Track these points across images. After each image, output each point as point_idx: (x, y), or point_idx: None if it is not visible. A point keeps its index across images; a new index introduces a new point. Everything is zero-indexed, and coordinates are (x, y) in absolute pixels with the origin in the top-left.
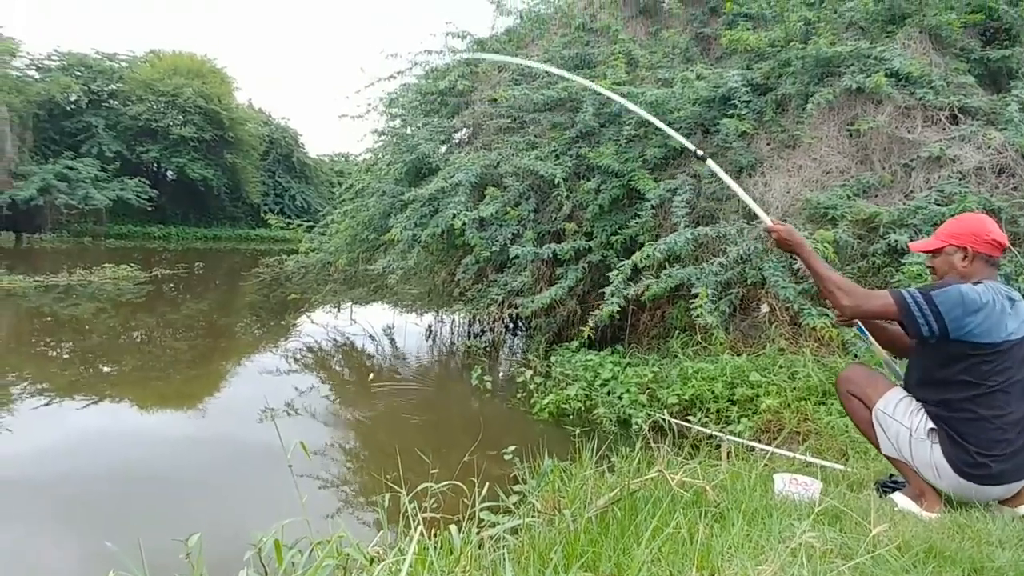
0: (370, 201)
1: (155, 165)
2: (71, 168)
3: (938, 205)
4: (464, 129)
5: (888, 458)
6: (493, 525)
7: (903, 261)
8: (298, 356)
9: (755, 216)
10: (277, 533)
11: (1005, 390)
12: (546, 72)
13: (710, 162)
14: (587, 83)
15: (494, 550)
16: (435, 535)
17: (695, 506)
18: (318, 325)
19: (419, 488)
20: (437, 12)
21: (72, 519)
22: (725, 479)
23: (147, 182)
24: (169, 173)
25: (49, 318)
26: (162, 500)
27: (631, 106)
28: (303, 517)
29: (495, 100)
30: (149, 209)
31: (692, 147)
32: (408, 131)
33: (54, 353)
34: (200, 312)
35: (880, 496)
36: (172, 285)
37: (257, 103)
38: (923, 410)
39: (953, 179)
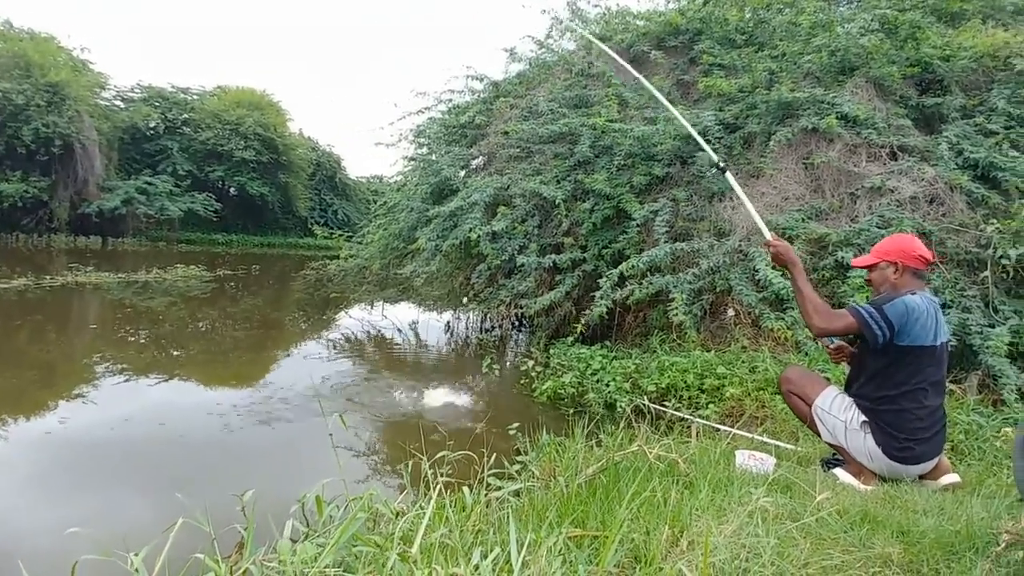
0: (400, 216)
1: (220, 182)
2: (150, 183)
3: (878, 228)
4: (480, 157)
5: (828, 444)
6: (499, 489)
7: (848, 275)
8: (337, 345)
9: (725, 234)
10: (319, 491)
11: (925, 387)
12: (650, 94)
13: (728, 175)
14: (672, 111)
15: (499, 509)
16: (450, 496)
17: (668, 476)
18: (354, 319)
19: (437, 456)
20: (458, 57)
21: (147, 477)
22: (694, 454)
23: (213, 196)
24: (232, 189)
25: (129, 309)
26: (222, 463)
27: (681, 120)
28: (340, 478)
29: (507, 133)
30: (214, 219)
31: (716, 158)
32: (433, 157)
33: (132, 338)
34: (255, 307)
35: (824, 471)
36: (232, 284)
37: (307, 132)
38: (855, 405)
39: (891, 206)
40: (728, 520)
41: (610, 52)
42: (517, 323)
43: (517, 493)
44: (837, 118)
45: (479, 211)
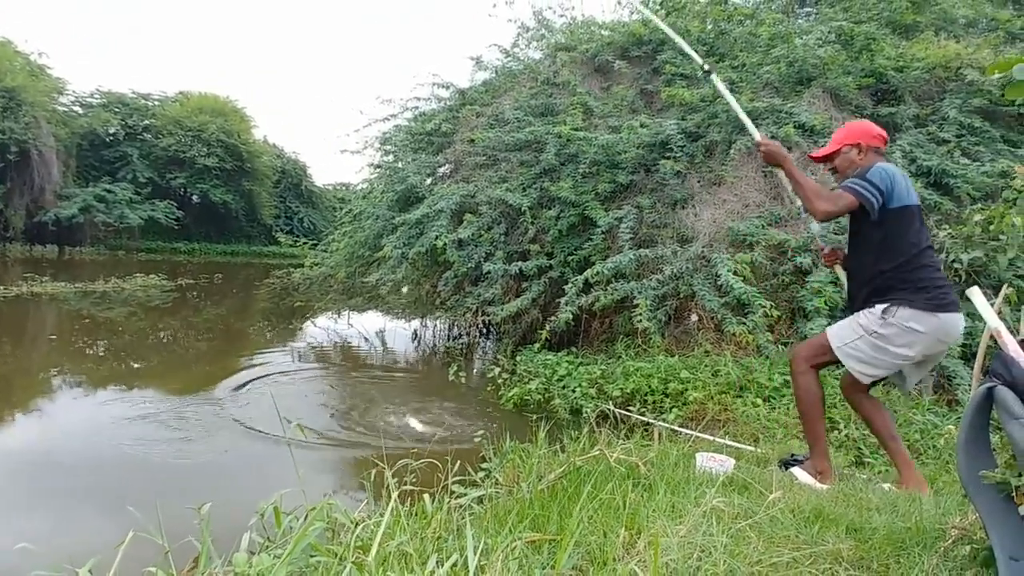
0: (366, 224)
1: (182, 190)
2: (109, 191)
3: (835, 234)
4: (447, 164)
5: (868, 377)
6: (463, 495)
7: (807, 280)
8: (302, 354)
9: (687, 240)
10: (276, 502)
11: (931, 246)
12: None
13: (714, 77)
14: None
15: (462, 516)
16: (412, 504)
17: (629, 479)
18: (320, 328)
19: (399, 464)
20: (425, 64)
21: (103, 492)
22: (655, 457)
23: (175, 204)
24: (194, 197)
25: (87, 320)
26: (179, 477)
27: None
28: (300, 489)
29: (473, 141)
30: (176, 228)
31: (700, 60)
32: (399, 165)
33: (91, 350)
34: (219, 316)
35: (782, 471)
36: (195, 293)
37: (271, 139)
38: (862, 313)
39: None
40: (684, 521)
41: (664, 26)
42: (485, 330)
43: (480, 500)
44: (795, 127)
45: (445, 219)
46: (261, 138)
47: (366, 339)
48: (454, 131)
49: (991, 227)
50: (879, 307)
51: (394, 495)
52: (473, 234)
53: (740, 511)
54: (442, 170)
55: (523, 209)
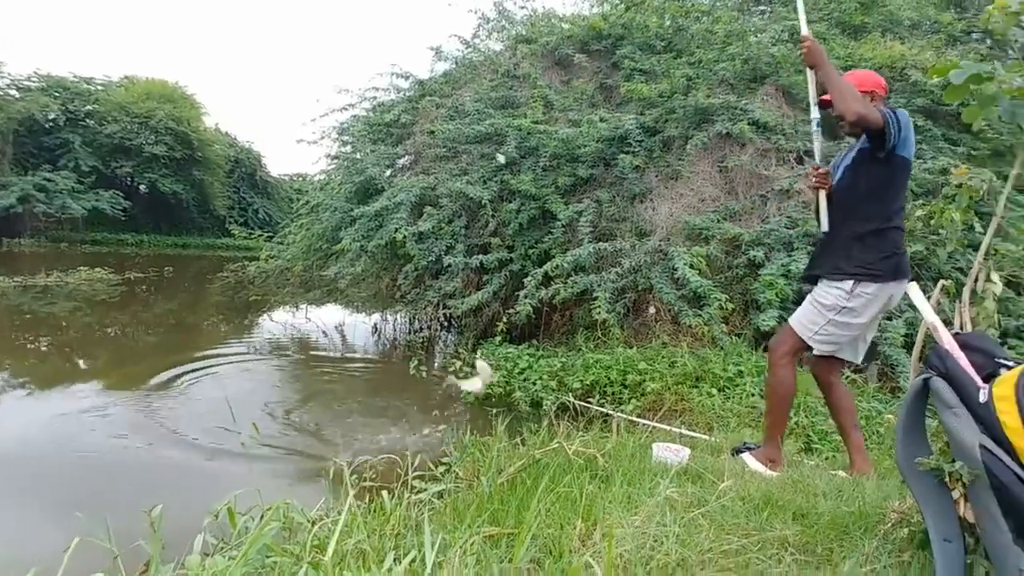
0: (323, 216)
1: (129, 179)
2: (49, 180)
3: (787, 228)
4: (407, 156)
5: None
6: (423, 491)
7: (760, 273)
8: (259, 349)
9: (645, 234)
10: (230, 503)
11: (903, 209)
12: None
13: None
14: None
15: (420, 512)
16: (371, 501)
17: (587, 471)
18: (277, 323)
19: (358, 462)
20: (384, 53)
21: (50, 496)
22: (612, 448)
23: (121, 194)
24: (142, 187)
25: (28, 315)
26: (130, 479)
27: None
28: (256, 489)
29: (433, 132)
30: (123, 219)
31: None
32: (358, 156)
33: (32, 346)
34: (170, 311)
35: (732, 456)
36: (144, 287)
37: (224, 127)
38: (823, 292)
39: (798, 207)
40: (639, 511)
41: None
42: (446, 324)
43: (440, 495)
44: (749, 124)
45: (405, 211)
46: (212, 126)
47: (325, 333)
48: (413, 122)
49: (931, 222)
50: (846, 283)
51: (351, 493)
52: (433, 227)
53: (693, 500)
54: (402, 162)
55: (483, 202)
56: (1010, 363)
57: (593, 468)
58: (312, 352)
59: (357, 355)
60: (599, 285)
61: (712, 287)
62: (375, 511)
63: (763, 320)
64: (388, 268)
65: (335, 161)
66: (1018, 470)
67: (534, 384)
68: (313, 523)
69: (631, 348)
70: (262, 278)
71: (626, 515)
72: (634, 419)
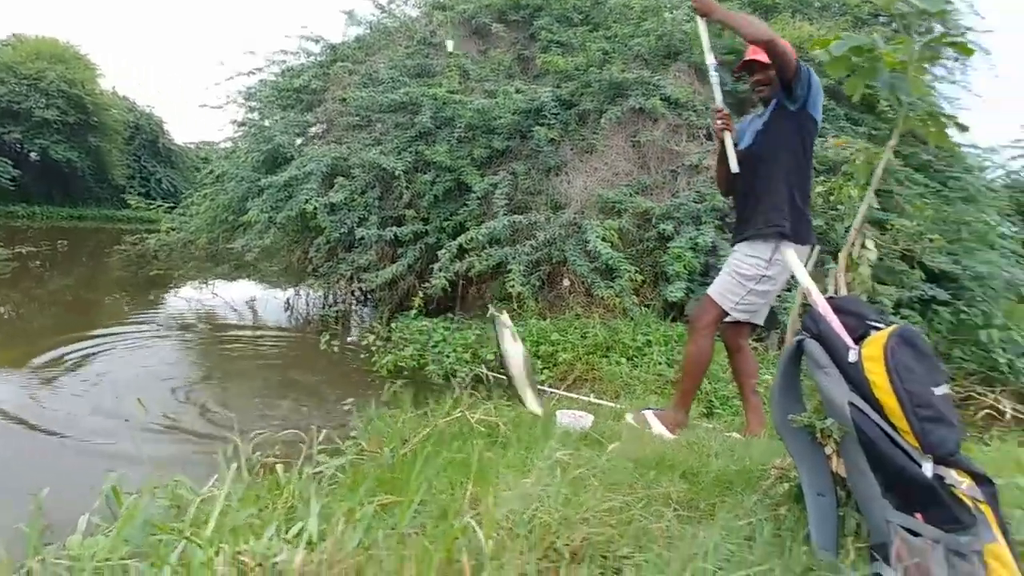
0: (229, 186)
1: (18, 145)
2: None
3: (695, 202)
4: (318, 124)
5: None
6: (323, 464)
7: (669, 246)
8: (162, 326)
9: (560, 207)
10: (114, 482)
11: None
12: None
13: None
14: None
15: (319, 485)
16: (270, 475)
17: (489, 438)
18: (183, 299)
19: (259, 437)
20: (295, 14)
21: None
22: (516, 417)
23: (9, 162)
24: (33, 154)
25: None
26: (13, 463)
27: None
28: (149, 467)
29: (344, 100)
30: (12, 188)
31: None
32: (265, 123)
33: None
34: (66, 287)
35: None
36: (38, 262)
37: (122, 91)
38: (740, 262)
39: (707, 183)
40: (531, 475)
41: None
42: (363, 298)
43: (343, 468)
44: (661, 99)
45: (316, 181)
46: (109, 89)
47: (234, 309)
48: (325, 89)
49: (831, 198)
50: (765, 249)
51: (243, 467)
52: (345, 198)
53: (585, 462)
54: (313, 130)
55: (397, 173)
56: (880, 325)
57: (495, 435)
58: (219, 329)
59: (267, 331)
60: (514, 258)
61: (623, 259)
62: (269, 485)
63: (671, 292)
64: (299, 241)
65: (241, 128)
66: (885, 426)
67: (448, 357)
68: (202, 499)
69: (545, 320)
70: (165, 252)
71: (518, 478)
72: (546, 389)
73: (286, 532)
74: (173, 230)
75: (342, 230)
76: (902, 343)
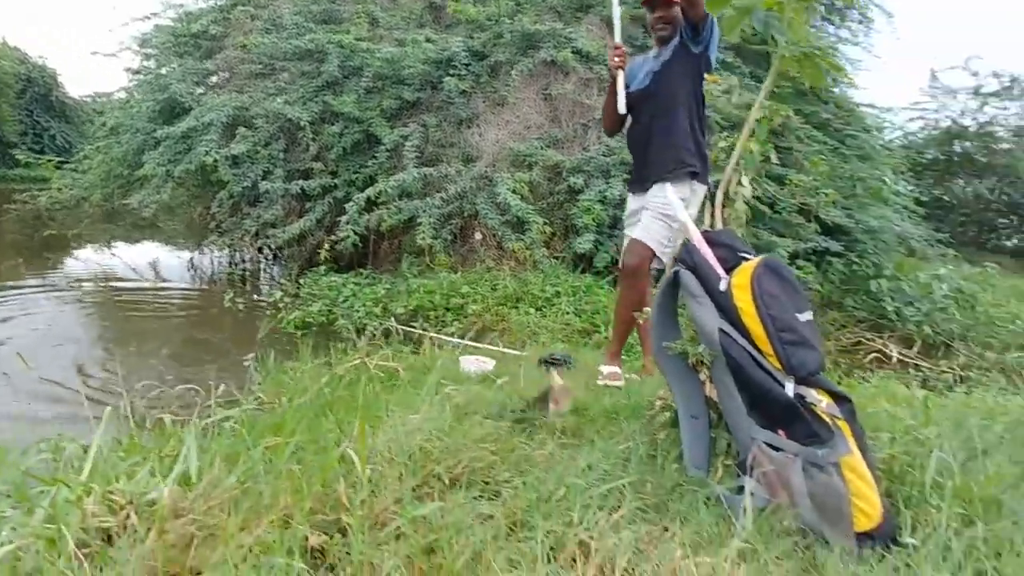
0: (123, 138)
1: None
2: None
3: (604, 156)
4: (219, 73)
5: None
6: (217, 415)
7: (578, 199)
8: (55, 288)
9: (472, 160)
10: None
11: None
12: None
13: None
14: None
15: (212, 433)
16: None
17: (389, 382)
18: (80, 260)
19: (154, 392)
20: None
21: None
22: (418, 362)
23: None
24: None
25: None
26: None
27: None
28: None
29: (245, 46)
30: None
31: None
32: (162, 71)
33: None
34: None
35: (545, 370)
36: None
37: (13, 41)
38: (663, 204)
39: (616, 137)
40: (420, 411)
41: None
42: (272, 256)
43: (238, 419)
44: (573, 52)
45: (216, 133)
46: None
47: (134, 270)
48: (225, 34)
49: (732, 154)
50: (684, 190)
51: (130, 419)
52: (248, 150)
53: (474, 396)
54: (214, 79)
55: (303, 124)
56: (750, 256)
57: (394, 380)
58: (118, 290)
59: (169, 291)
60: (424, 211)
61: (534, 212)
62: (155, 436)
63: (580, 244)
64: (200, 196)
65: (136, 77)
66: (751, 350)
67: (358, 311)
68: (85, 450)
69: (456, 273)
70: (59, 210)
71: (408, 414)
72: (453, 339)
73: (163, 474)
74: (65, 187)
75: (245, 184)
76: (768, 272)
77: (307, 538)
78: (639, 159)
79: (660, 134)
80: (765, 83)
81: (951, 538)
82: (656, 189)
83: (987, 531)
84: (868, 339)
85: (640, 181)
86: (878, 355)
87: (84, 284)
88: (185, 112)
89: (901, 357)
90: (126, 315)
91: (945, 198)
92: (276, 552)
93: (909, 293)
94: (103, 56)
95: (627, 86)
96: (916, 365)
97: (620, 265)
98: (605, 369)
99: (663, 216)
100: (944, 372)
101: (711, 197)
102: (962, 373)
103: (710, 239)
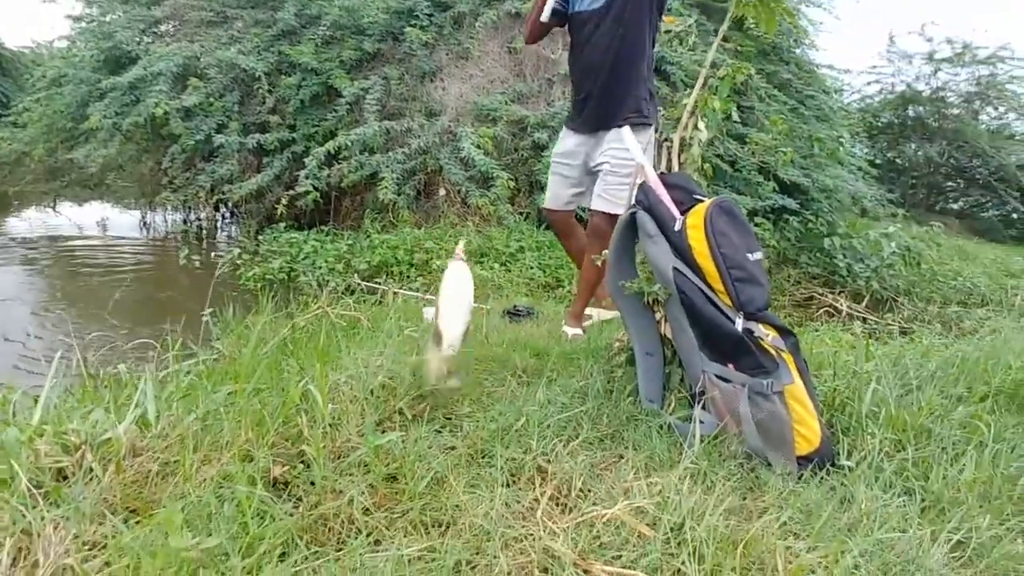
0: (66, 89)
1: None
2: None
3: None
4: (169, 21)
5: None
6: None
7: (543, 154)
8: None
9: (435, 114)
10: None
11: None
12: None
13: None
14: None
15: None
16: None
17: (351, 330)
18: (23, 219)
19: (108, 346)
20: None
21: None
22: (380, 312)
23: None
24: None
25: None
26: None
27: None
28: None
29: None
30: None
31: None
32: (106, 19)
33: None
34: None
35: (508, 320)
36: None
37: None
38: (619, 159)
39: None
40: (383, 353)
41: None
42: (231, 213)
43: (195, 370)
44: None
45: (166, 83)
46: None
47: (81, 228)
48: None
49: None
50: (643, 135)
51: (83, 368)
52: (201, 102)
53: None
54: (163, 27)
55: (259, 75)
56: (704, 198)
57: (357, 329)
58: (66, 249)
59: (121, 250)
60: (386, 166)
61: (498, 167)
62: (109, 383)
63: (543, 200)
64: (150, 151)
65: (78, 24)
66: (703, 287)
67: (319, 268)
68: (36, 400)
69: (420, 230)
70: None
71: (369, 356)
72: (416, 294)
73: (119, 418)
74: (3, 141)
75: (199, 138)
76: (721, 212)
77: (269, 469)
78: (589, 93)
79: (620, 68)
80: (722, 27)
81: (883, 461)
82: (614, 136)
83: (917, 455)
84: (820, 294)
85: (590, 122)
86: (829, 309)
87: (28, 243)
88: (132, 62)
89: (850, 311)
90: (75, 273)
91: (898, 161)
92: (238, 482)
93: (860, 251)
94: (41, 2)
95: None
96: (864, 318)
97: (589, 232)
98: (570, 331)
99: (628, 176)
100: (889, 325)
101: (665, 141)
102: (906, 326)
103: (666, 181)
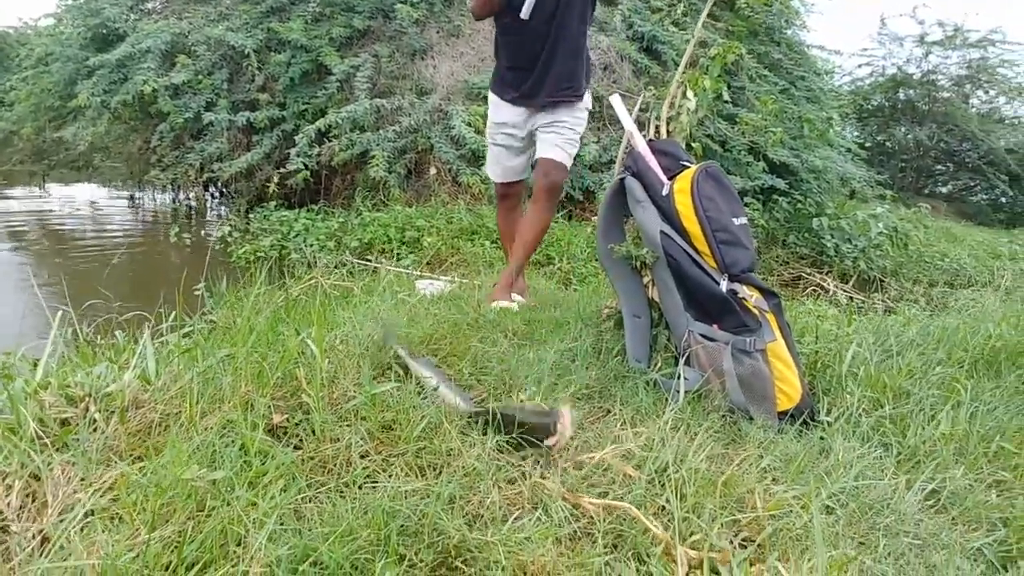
0: (54, 67)
1: None
2: None
3: None
4: None
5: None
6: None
7: None
8: None
9: (426, 93)
10: None
11: None
12: None
13: None
14: None
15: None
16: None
17: (345, 300)
18: (12, 199)
19: (103, 318)
20: None
21: None
22: (373, 284)
23: None
24: None
25: None
26: None
27: None
28: None
29: None
30: None
31: None
32: None
33: None
34: None
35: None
36: None
37: None
38: (577, 116)
39: None
40: (376, 317)
41: None
42: (220, 192)
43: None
44: None
45: (154, 61)
46: None
47: (72, 207)
48: None
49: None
50: (587, 99)
51: (80, 333)
52: (190, 80)
53: (429, 305)
54: (150, 4)
55: (248, 52)
56: (691, 165)
57: (351, 299)
58: (56, 228)
59: (111, 228)
60: (377, 144)
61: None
62: (107, 349)
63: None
64: (139, 129)
65: (65, 2)
66: (689, 249)
67: (310, 245)
68: (35, 363)
69: (411, 208)
70: None
71: (364, 321)
72: (407, 271)
73: (121, 374)
74: None
75: (188, 115)
76: (707, 176)
77: (270, 417)
78: (534, 65)
79: (569, 40)
80: (708, 2)
81: (862, 417)
82: (566, 111)
83: (895, 413)
84: (808, 274)
85: (532, 94)
86: (816, 288)
87: (17, 223)
88: (120, 39)
89: (837, 290)
90: (65, 253)
91: (887, 144)
92: (240, 428)
93: (848, 231)
94: None
95: None
96: (850, 297)
97: (543, 186)
98: (502, 303)
99: (573, 130)
100: (875, 304)
101: (653, 109)
102: (892, 305)
103: (654, 148)
